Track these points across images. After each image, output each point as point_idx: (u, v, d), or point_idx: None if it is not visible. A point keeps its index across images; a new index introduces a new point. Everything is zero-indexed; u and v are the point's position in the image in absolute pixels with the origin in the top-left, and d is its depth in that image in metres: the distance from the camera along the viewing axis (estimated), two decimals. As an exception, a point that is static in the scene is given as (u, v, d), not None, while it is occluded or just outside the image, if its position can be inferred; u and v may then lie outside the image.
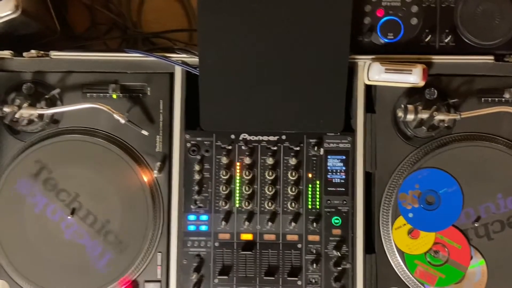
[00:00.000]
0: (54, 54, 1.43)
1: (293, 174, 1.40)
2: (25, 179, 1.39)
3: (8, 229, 1.39)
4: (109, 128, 1.41)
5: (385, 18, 1.42)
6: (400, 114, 1.36)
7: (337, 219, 1.40)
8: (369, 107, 1.43)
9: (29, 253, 1.38)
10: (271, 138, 1.42)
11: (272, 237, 1.40)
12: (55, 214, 1.38)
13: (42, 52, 1.43)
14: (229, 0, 1.35)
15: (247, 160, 1.41)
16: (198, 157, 1.41)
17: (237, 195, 1.41)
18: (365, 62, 1.39)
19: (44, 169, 1.39)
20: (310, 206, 1.40)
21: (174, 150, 1.42)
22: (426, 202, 1.37)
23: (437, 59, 1.41)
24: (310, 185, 1.41)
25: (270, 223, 1.39)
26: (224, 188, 1.40)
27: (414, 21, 1.42)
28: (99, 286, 1.38)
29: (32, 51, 1.42)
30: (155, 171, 1.39)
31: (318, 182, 1.41)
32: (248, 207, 1.40)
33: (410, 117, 1.35)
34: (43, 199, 1.39)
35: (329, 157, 1.41)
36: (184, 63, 1.43)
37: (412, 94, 1.39)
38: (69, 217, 1.38)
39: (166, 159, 1.42)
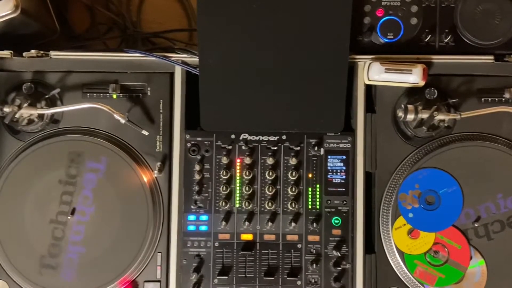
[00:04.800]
0: (54, 54, 1.43)
1: (293, 174, 1.40)
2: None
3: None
4: (109, 128, 1.42)
5: (385, 18, 1.42)
6: (400, 114, 1.36)
7: (337, 219, 1.40)
8: (369, 107, 1.43)
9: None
10: (271, 138, 1.42)
11: (272, 237, 1.40)
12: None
13: (42, 52, 1.43)
14: (229, 0, 1.35)
15: (247, 160, 1.41)
16: (198, 157, 1.41)
17: (237, 195, 1.41)
18: (365, 62, 1.39)
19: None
20: (310, 206, 1.40)
21: (174, 150, 1.42)
22: (426, 202, 1.37)
23: (437, 59, 1.41)
24: (310, 185, 1.41)
25: (270, 223, 1.39)
26: (224, 188, 1.40)
27: (414, 21, 1.42)
28: (99, 286, 1.38)
29: (32, 51, 1.42)
30: (155, 171, 1.39)
31: (318, 182, 1.41)
32: (248, 207, 1.40)
33: (410, 117, 1.35)
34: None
35: (329, 157, 1.41)
36: (184, 63, 1.43)
37: (412, 94, 1.39)
38: (69, 217, 1.38)
39: (166, 159, 1.42)
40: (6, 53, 1.42)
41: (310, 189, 1.41)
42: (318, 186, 1.41)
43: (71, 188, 1.39)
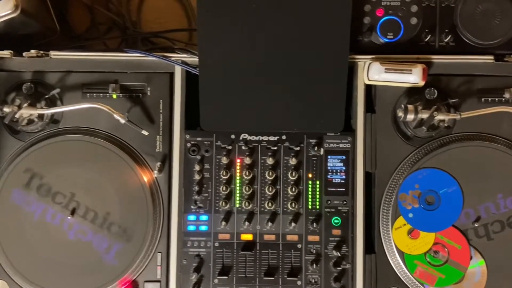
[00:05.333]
0: (54, 54, 1.43)
1: (293, 174, 1.40)
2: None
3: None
4: (109, 128, 1.41)
5: (385, 18, 1.42)
6: (400, 114, 1.36)
7: (337, 219, 1.40)
8: (369, 107, 1.43)
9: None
10: (271, 138, 1.42)
11: (272, 237, 1.40)
12: (56, 214, 1.38)
13: (42, 52, 1.42)
14: (229, 0, 1.35)
15: (247, 160, 1.41)
16: (198, 157, 1.41)
17: (237, 195, 1.41)
18: (365, 62, 1.39)
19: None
20: (310, 206, 1.40)
21: (174, 150, 1.42)
22: (426, 202, 1.37)
23: (437, 59, 1.41)
24: (310, 185, 1.41)
25: (270, 223, 1.39)
26: (224, 188, 1.40)
27: (414, 20, 1.42)
28: (99, 286, 1.38)
29: (32, 51, 1.42)
30: (155, 171, 1.39)
31: (318, 182, 1.41)
32: (248, 207, 1.40)
33: (410, 117, 1.35)
34: (44, 199, 1.38)
35: (329, 157, 1.41)
36: (184, 63, 1.43)
37: (412, 94, 1.39)
38: (69, 217, 1.38)
39: (166, 159, 1.42)
40: (6, 53, 1.42)
41: (310, 189, 1.41)
42: (318, 186, 1.40)
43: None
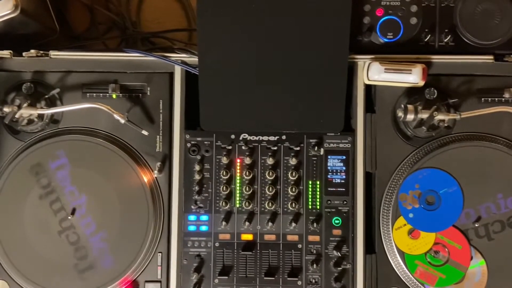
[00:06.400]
0: (54, 54, 1.43)
1: (293, 174, 1.40)
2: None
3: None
4: (109, 128, 1.41)
5: (384, 18, 1.42)
6: (400, 114, 1.36)
7: (337, 219, 1.40)
8: (369, 107, 1.43)
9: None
10: (271, 138, 1.42)
11: (272, 237, 1.40)
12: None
13: (41, 52, 1.42)
14: (228, 0, 1.35)
15: (247, 160, 1.41)
16: (198, 157, 1.41)
17: (238, 195, 1.41)
18: (364, 62, 1.39)
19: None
20: (310, 206, 1.40)
21: (174, 150, 1.42)
22: (426, 202, 1.37)
23: (437, 59, 1.41)
24: (310, 185, 1.41)
25: (270, 224, 1.39)
26: (224, 188, 1.40)
27: (413, 20, 1.42)
28: (99, 286, 1.38)
29: (32, 51, 1.42)
30: (155, 171, 1.39)
31: (318, 182, 1.41)
32: (249, 207, 1.40)
33: (410, 117, 1.35)
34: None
35: (329, 157, 1.41)
36: (184, 63, 1.43)
37: (412, 94, 1.39)
38: (69, 217, 1.37)
39: (166, 159, 1.42)
40: (6, 53, 1.42)
41: (310, 189, 1.41)
42: (318, 186, 1.40)
43: (71, 188, 1.38)
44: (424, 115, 1.34)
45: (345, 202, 1.40)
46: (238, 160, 1.41)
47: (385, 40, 1.42)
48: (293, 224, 1.39)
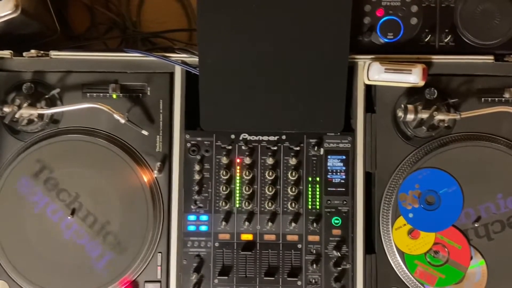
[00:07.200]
0: (54, 54, 1.43)
1: (293, 174, 1.40)
2: (25, 179, 1.39)
3: (8, 229, 1.38)
4: (109, 128, 1.41)
5: (385, 18, 1.42)
6: (400, 114, 1.36)
7: (337, 219, 1.40)
8: (369, 107, 1.43)
9: (29, 253, 1.38)
10: (271, 138, 1.42)
11: (272, 237, 1.40)
12: (55, 214, 1.38)
13: (42, 52, 1.43)
14: (229, 0, 1.35)
15: (247, 160, 1.41)
16: (198, 157, 1.41)
17: (237, 195, 1.41)
18: (365, 62, 1.39)
19: (44, 169, 1.39)
20: (310, 206, 1.40)
21: (174, 150, 1.42)
22: (426, 202, 1.37)
23: (437, 59, 1.41)
24: (310, 185, 1.41)
25: (270, 223, 1.39)
26: (224, 188, 1.40)
27: (414, 20, 1.42)
28: (99, 286, 1.38)
29: (32, 51, 1.42)
30: (155, 171, 1.39)
31: (318, 182, 1.41)
32: (248, 207, 1.40)
33: (410, 117, 1.35)
34: (43, 199, 1.38)
35: (329, 157, 1.41)
36: (184, 63, 1.43)
37: (412, 94, 1.39)
38: (69, 217, 1.38)
39: (166, 159, 1.42)
40: (6, 53, 1.42)
41: (310, 189, 1.41)
42: (318, 186, 1.40)
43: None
44: (424, 115, 1.34)
45: (345, 202, 1.40)
46: (238, 160, 1.41)
47: (386, 40, 1.42)
48: (293, 224, 1.39)
